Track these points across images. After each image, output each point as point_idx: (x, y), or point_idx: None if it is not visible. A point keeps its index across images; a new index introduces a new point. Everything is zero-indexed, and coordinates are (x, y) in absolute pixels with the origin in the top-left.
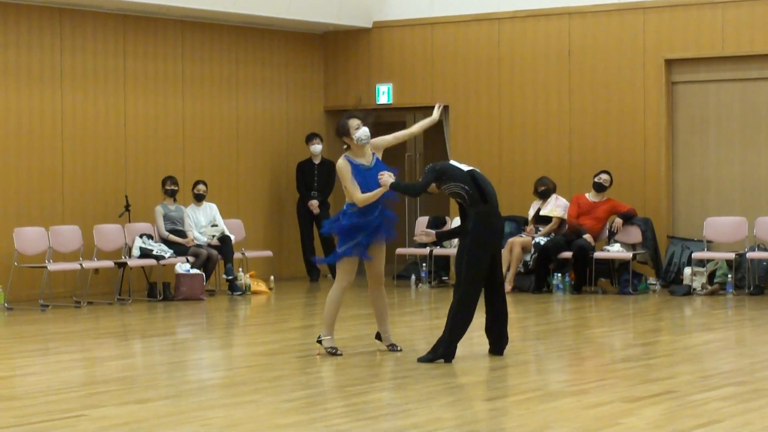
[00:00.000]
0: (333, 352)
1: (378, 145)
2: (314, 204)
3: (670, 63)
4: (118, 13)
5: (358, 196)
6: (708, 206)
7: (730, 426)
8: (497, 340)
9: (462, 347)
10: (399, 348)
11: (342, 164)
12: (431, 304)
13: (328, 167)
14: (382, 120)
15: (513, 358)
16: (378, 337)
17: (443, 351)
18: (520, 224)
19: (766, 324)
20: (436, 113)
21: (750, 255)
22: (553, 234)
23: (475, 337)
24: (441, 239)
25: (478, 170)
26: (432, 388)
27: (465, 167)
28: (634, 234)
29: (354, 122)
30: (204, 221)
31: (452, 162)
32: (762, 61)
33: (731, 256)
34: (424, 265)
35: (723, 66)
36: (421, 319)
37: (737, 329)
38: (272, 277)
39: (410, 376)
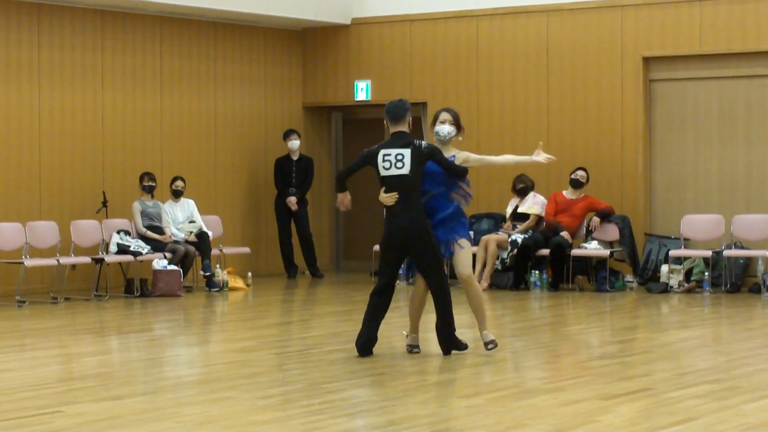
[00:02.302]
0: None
1: (462, 157)
2: (292, 200)
3: (648, 61)
4: (95, 8)
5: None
6: (685, 204)
7: (706, 423)
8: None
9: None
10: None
11: None
12: (408, 300)
13: (306, 163)
14: (360, 116)
15: (490, 356)
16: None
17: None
18: (497, 221)
19: (742, 322)
20: (540, 157)
21: (727, 253)
22: (530, 231)
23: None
24: None
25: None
26: (408, 385)
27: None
28: (612, 231)
29: (443, 116)
30: (182, 217)
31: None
32: (739, 60)
33: (708, 253)
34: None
35: (700, 64)
36: (398, 315)
37: (714, 327)
38: (250, 274)
39: (387, 374)
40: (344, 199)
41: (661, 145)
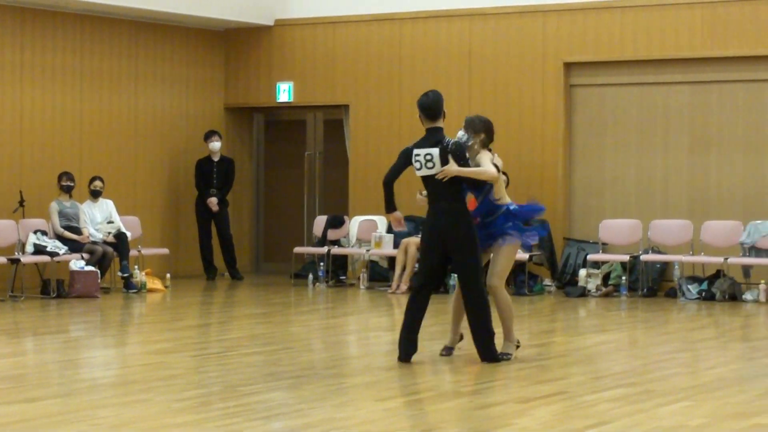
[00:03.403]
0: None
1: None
2: (213, 201)
3: (569, 66)
4: (15, 5)
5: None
6: (604, 209)
7: (620, 427)
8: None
9: (357, 347)
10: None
11: None
12: (328, 303)
13: (227, 165)
14: (282, 118)
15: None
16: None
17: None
18: (418, 224)
19: (658, 326)
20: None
21: (644, 257)
22: None
23: (372, 337)
24: None
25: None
26: (325, 388)
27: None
28: None
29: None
30: (100, 218)
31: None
32: (659, 66)
33: (626, 258)
34: (321, 264)
35: (621, 70)
36: (317, 318)
37: (630, 331)
38: (168, 275)
39: (304, 376)
40: (397, 219)
41: (581, 150)
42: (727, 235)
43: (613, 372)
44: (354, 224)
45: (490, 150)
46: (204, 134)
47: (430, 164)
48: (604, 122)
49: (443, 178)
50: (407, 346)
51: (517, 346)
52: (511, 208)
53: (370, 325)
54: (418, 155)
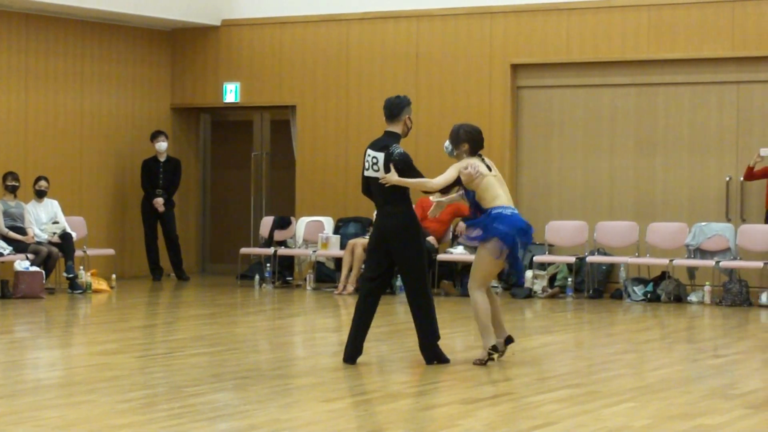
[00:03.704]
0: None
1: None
2: (159, 202)
3: (515, 68)
4: None
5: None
6: (550, 210)
7: (565, 428)
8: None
9: (303, 348)
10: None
11: None
12: (274, 304)
13: (173, 165)
14: (229, 118)
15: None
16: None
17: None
18: (364, 225)
19: (603, 327)
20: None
21: (590, 259)
22: None
23: (318, 338)
24: None
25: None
26: (270, 389)
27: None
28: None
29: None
30: (45, 218)
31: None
32: (605, 68)
33: (572, 259)
34: (268, 265)
35: (568, 72)
36: (263, 319)
37: (576, 332)
38: (114, 276)
39: (249, 377)
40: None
41: (528, 151)
42: (672, 236)
43: (558, 373)
44: (300, 225)
45: (479, 156)
46: (150, 134)
47: (375, 167)
48: (551, 124)
49: (385, 184)
50: (352, 349)
51: (492, 354)
52: (493, 212)
53: (317, 326)
54: (368, 155)
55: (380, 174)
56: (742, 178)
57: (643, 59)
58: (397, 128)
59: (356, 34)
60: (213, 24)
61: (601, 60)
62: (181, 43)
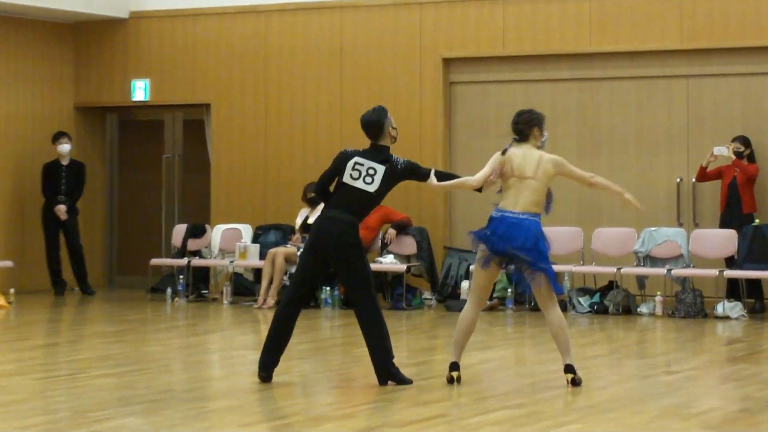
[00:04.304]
0: None
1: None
2: (61, 209)
3: (448, 62)
4: None
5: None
6: (487, 215)
7: None
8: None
9: (220, 368)
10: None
11: None
12: (188, 320)
13: (77, 169)
14: (138, 118)
15: (274, 380)
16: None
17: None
18: (286, 233)
19: (546, 342)
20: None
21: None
22: None
23: (236, 356)
24: None
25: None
26: (184, 413)
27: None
28: (409, 245)
29: None
30: None
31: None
32: (544, 62)
33: (511, 268)
34: (181, 277)
35: (504, 66)
36: (176, 336)
37: (516, 347)
38: (12, 290)
39: (161, 400)
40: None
41: (462, 151)
42: (620, 243)
43: (498, 392)
44: (216, 233)
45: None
46: (52, 136)
47: (369, 179)
48: (487, 122)
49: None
50: (267, 363)
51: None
52: (492, 213)
53: (235, 343)
54: (360, 164)
55: (372, 188)
56: (694, 179)
57: (585, 52)
58: (384, 142)
59: (276, 27)
60: (120, 16)
61: (540, 53)
62: (85, 37)
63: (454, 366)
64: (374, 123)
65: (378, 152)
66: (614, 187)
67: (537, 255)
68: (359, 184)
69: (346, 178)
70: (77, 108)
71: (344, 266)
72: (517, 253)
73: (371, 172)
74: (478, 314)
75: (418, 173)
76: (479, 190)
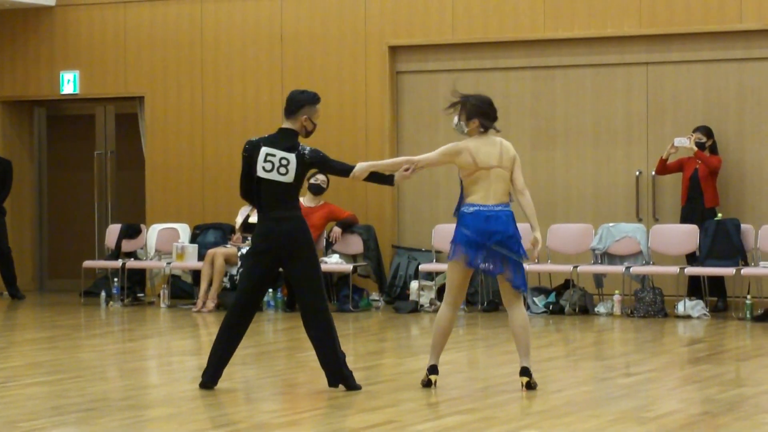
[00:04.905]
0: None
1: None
2: None
3: (394, 50)
4: None
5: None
6: (436, 212)
7: None
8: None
9: (158, 374)
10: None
11: None
12: (124, 324)
13: (3, 167)
14: (67, 112)
15: (216, 387)
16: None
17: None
18: (225, 233)
19: (500, 344)
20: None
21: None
22: None
23: (174, 362)
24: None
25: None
26: (120, 422)
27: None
28: (355, 244)
29: None
30: None
31: None
32: (496, 49)
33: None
34: (115, 279)
35: (453, 54)
36: (111, 342)
37: (468, 350)
38: None
39: (95, 409)
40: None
41: (410, 145)
42: (576, 240)
43: (449, 397)
44: (152, 233)
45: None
46: None
47: (283, 170)
48: (436, 113)
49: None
50: (213, 372)
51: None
52: (462, 209)
53: (173, 348)
54: (272, 155)
55: (289, 179)
56: (654, 173)
57: (540, 39)
58: (293, 125)
59: (211, 15)
60: (47, 4)
61: (491, 40)
62: (9, 26)
63: (433, 369)
64: (293, 100)
65: (285, 137)
66: (532, 221)
67: (517, 245)
68: (273, 175)
69: (260, 172)
70: (2, 102)
71: (299, 266)
72: (498, 249)
73: (284, 162)
74: (456, 315)
75: (332, 168)
76: (391, 183)
